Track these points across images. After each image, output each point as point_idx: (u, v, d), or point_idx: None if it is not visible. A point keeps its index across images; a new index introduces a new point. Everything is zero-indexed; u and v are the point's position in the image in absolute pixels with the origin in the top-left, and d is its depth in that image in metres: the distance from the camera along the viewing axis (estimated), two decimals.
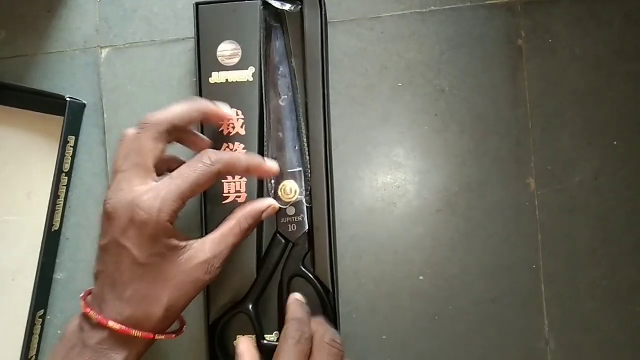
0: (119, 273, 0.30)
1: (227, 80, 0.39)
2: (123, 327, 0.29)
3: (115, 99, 0.44)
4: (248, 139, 0.38)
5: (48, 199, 0.43)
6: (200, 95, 0.39)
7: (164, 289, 0.30)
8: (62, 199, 0.44)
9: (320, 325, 0.33)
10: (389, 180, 0.42)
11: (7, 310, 0.45)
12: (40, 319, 0.44)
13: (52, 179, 0.43)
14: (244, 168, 0.33)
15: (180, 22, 0.43)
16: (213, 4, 0.39)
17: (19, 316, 0.43)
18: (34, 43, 0.45)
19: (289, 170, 0.38)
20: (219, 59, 0.39)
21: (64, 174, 0.43)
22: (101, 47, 0.44)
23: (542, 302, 0.40)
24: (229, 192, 0.39)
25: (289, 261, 0.38)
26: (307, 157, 0.38)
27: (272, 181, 0.39)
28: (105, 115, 0.44)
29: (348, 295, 0.41)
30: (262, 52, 0.39)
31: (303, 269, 0.38)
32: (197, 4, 0.39)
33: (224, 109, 0.35)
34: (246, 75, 0.39)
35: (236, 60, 0.39)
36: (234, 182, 0.39)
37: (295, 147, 0.39)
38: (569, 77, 0.40)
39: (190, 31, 0.42)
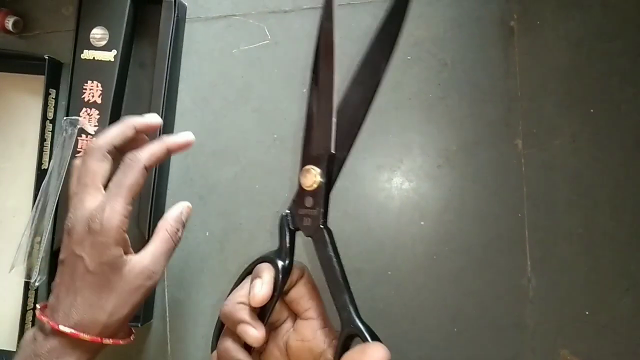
0: (72, 282, 0.33)
1: (94, 58, 0.49)
2: (73, 331, 0.32)
3: None
4: (103, 108, 0.49)
5: (37, 144, 0.51)
6: (72, 68, 0.49)
7: (108, 298, 0.33)
8: (49, 142, 0.52)
9: None
10: (397, 140, 0.49)
11: (11, 243, 0.51)
12: (38, 244, 0.50)
13: (39, 127, 0.51)
14: (165, 151, 0.37)
15: None
16: None
17: (20, 245, 0.49)
18: None
19: None
20: (91, 40, 0.49)
21: (48, 121, 0.52)
22: None
23: (525, 245, 0.47)
24: None
25: (321, 254, 0.33)
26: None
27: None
28: None
29: (358, 237, 0.48)
30: (124, 39, 0.49)
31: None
32: None
33: (152, 119, 0.38)
34: (109, 55, 0.49)
35: (103, 43, 0.49)
36: None
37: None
38: (553, 54, 0.47)
39: None
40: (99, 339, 0.33)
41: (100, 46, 0.49)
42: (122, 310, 0.33)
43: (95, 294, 0.33)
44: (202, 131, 0.51)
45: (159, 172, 0.48)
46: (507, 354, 0.46)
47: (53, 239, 0.49)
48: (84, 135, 0.49)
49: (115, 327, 0.34)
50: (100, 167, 0.35)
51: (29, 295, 0.51)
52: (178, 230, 0.37)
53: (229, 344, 0.34)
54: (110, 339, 0.34)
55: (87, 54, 0.49)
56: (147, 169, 0.35)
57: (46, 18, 0.53)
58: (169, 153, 0.37)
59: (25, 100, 0.53)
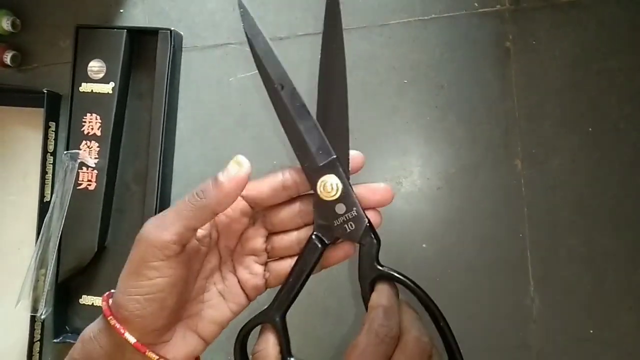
0: None
1: (92, 90, 0.49)
2: (105, 304, 0.27)
3: None
4: (102, 140, 0.49)
5: (39, 177, 0.51)
6: (71, 101, 0.49)
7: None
8: (50, 174, 0.52)
9: (409, 319, 0.27)
10: (397, 163, 0.49)
11: (16, 275, 0.50)
12: (43, 277, 0.50)
13: (40, 160, 0.51)
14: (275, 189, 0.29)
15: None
16: (91, 29, 0.50)
17: (26, 278, 0.49)
18: None
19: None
20: (89, 73, 0.50)
21: (49, 154, 0.52)
22: None
23: (527, 266, 0.47)
24: None
25: (363, 266, 0.31)
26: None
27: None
28: None
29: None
30: (122, 71, 0.49)
31: (382, 269, 0.31)
32: (77, 27, 0.50)
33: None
34: (107, 88, 0.49)
35: (101, 75, 0.49)
36: None
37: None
38: (550, 74, 0.47)
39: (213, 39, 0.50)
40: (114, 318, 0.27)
41: (98, 79, 0.49)
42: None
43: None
44: (201, 160, 0.51)
45: (160, 201, 0.49)
46: None
47: (57, 271, 0.49)
48: (84, 168, 0.49)
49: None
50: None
51: (35, 328, 0.51)
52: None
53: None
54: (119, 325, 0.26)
55: (85, 87, 0.49)
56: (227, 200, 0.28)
57: (44, 50, 0.54)
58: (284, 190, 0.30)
59: (26, 133, 0.54)
